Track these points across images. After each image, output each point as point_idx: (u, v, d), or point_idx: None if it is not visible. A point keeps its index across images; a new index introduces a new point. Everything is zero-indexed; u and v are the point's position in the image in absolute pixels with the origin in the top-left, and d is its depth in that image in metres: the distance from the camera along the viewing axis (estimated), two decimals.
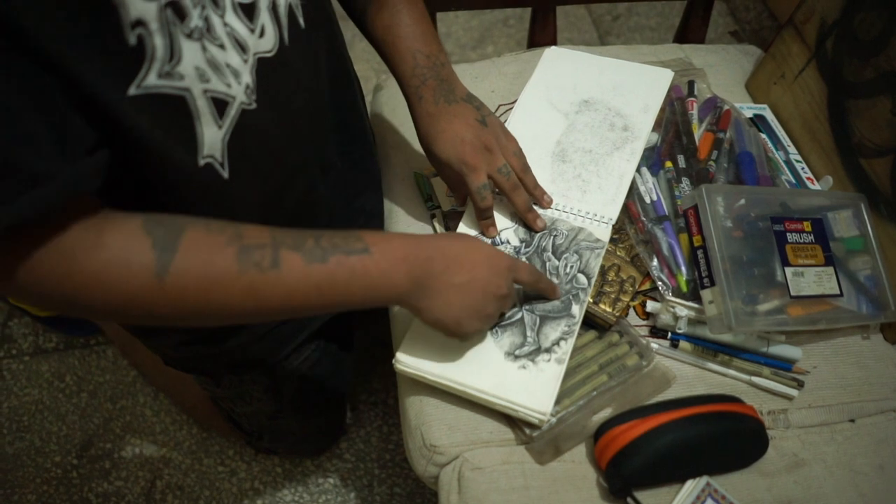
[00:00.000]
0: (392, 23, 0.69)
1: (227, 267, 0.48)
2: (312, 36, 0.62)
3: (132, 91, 0.44)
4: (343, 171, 0.74)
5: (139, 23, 0.43)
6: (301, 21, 0.59)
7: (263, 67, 0.55)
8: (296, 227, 0.68)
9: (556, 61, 0.86)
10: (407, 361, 0.64)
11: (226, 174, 0.54)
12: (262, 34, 0.54)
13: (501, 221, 0.72)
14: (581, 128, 0.79)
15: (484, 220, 0.71)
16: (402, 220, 0.81)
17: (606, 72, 0.84)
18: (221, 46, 0.50)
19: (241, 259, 0.48)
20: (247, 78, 0.53)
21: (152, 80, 0.45)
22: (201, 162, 0.52)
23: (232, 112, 0.52)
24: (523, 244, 0.71)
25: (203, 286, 0.48)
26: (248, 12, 0.52)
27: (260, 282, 0.49)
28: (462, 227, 0.73)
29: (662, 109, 0.81)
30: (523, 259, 0.70)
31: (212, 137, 0.51)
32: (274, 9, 0.55)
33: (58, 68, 0.41)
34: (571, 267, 0.69)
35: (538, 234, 0.71)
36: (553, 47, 0.88)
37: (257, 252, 0.49)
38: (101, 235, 0.45)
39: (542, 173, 0.75)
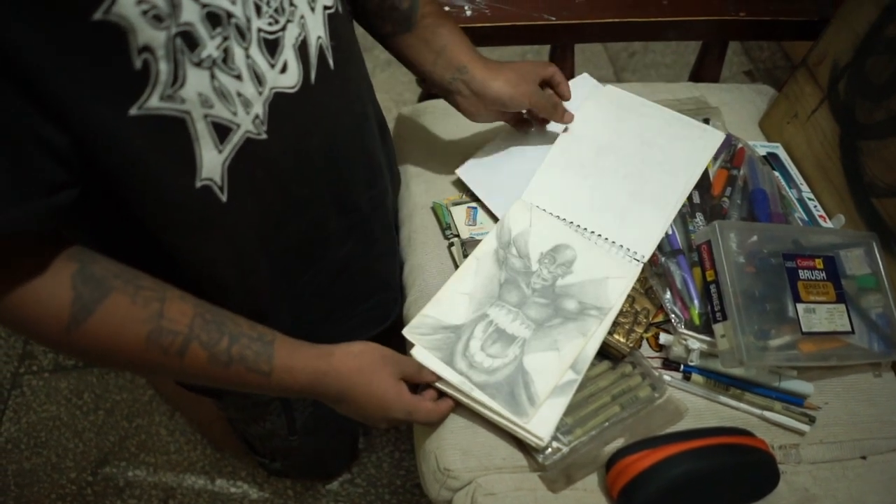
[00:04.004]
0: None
1: (134, 342, 0.51)
2: (341, 76, 0.63)
3: (133, 112, 0.45)
4: (368, 216, 0.76)
5: (146, 49, 0.44)
6: (331, 62, 0.61)
7: (281, 102, 0.56)
8: (302, 261, 0.70)
9: (611, 97, 0.88)
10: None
11: (224, 198, 0.55)
12: (283, 70, 0.55)
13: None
14: (632, 163, 0.81)
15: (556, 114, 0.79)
16: (420, 249, 0.82)
17: (662, 119, 0.86)
18: (238, 77, 0.51)
19: (150, 340, 0.52)
20: (258, 109, 0.54)
21: (154, 102, 0.46)
22: (199, 184, 0.53)
23: (234, 139, 0.53)
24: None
25: (107, 349, 0.51)
26: (271, 47, 0.54)
27: (161, 361, 0.53)
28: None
29: None
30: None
31: (211, 161, 0.52)
32: (303, 48, 0.57)
33: (48, 90, 0.42)
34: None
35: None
36: (610, 85, 0.90)
37: (168, 337, 0.52)
38: (31, 275, 0.47)
39: (583, 197, 0.78)
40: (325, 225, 0.71)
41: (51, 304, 0.48)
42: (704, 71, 1.08)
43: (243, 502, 1.18)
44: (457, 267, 0.78)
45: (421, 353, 0.67)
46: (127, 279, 0.51)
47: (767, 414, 0.69)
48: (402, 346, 0.78)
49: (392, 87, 1.75)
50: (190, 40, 0.46)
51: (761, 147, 0.91)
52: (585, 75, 0.92)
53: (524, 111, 0.84)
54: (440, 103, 0.96)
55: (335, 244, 0.73)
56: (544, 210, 0.77)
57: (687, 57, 1.82)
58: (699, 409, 0.70)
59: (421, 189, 0.88)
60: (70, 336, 0.49)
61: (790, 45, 1.76)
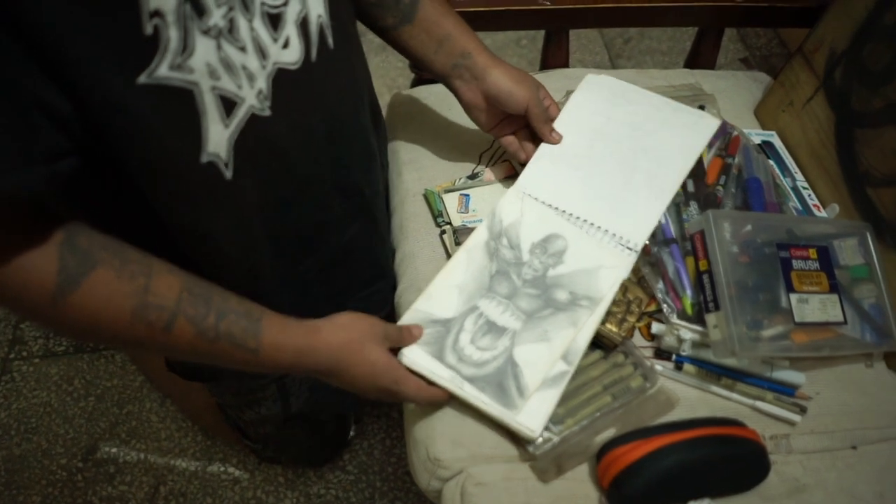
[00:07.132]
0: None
1: (120, 316, 0.50)
2: (340, 57, 0.63)
3: (142, 80, 0.45)
4: (370, 199, 0.76)
5: (157, 13, 0.44)
6: (330, 41, 0.60)
7: (283, 78, 0.56)
8: (305, 245, 0.70)
9: (602, 85, 0.86)
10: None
11: (229, 174, 0.55)
12: (286, 45, 0.55)
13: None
14: (625, 150, 0.79)
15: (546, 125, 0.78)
16: (412, 237, 0.82)
17: (656, 105, 0.84)
18: (242, 49, 0.51)
19: (136, 314, 0.51)
20: (261, 84, 0.54)
21: (163, 71, 0.46)
22: (204, 159, 0.52)
23: (240, 113, 0.53)
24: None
25: (93, 323, 0.50)
26: (274, 21, 0.53)
27: (147, 336, 0.52)
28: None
29: None
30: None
31: (217, 136, 0.52)
32: (304, 24, 0.56)
33: (57, 52, 0.41)
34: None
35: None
36: (604, 75, 0.87)
37: (154, 312, 0.51)
38: (18, 245, 0.46)
39: (575, 185, 0.77)
40: (329, 208, 0.70)
41: (37, 274, 0.47)
42: (700, 58, 1.06)
43: (234, 488, 1.18)
44: (448, 255, 0.78)
45: (411, 349, 0.67)
46: (114, 251, 0.50)
47: (759, 404, 0.69)
48: None
49: (386, 73, 1.73)
50: (198, 7, 0.46)
51: (756, 135, 0.90)
52: (590, 76, 0.88)
53: (508, 134, 0.81)
54: (434, 89, 0.95)
55: (339, 229, 0.73)
56: (536, 199, 0.76)
57: (683, 43, 1.80)
58: (691, 399, 0.70)
59: (413, 176, 0.87)
60: (56, 308, 0.48)
61: (786, 32, 1.75)
